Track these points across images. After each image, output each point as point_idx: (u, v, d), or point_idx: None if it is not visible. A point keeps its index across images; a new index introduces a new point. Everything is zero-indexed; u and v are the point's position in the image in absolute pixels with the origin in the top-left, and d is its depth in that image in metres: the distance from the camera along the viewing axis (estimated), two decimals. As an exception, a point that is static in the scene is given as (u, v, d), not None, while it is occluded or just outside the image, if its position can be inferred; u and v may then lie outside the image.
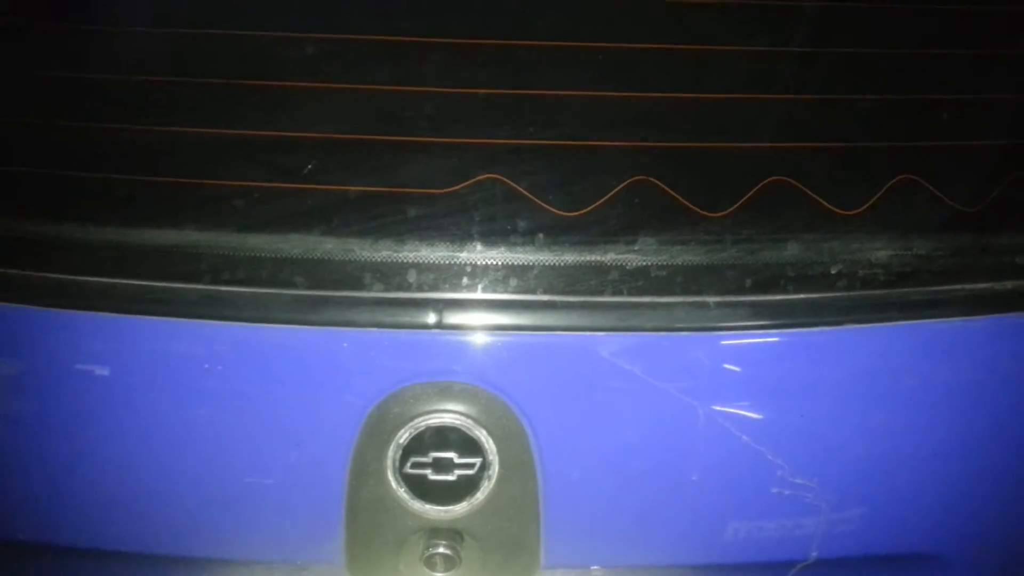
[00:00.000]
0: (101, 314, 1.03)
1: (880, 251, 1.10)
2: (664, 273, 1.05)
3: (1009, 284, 1.10)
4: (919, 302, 1.09)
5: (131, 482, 1.06)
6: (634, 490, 1.09)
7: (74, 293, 1.04)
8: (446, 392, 1.03)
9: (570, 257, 1.05)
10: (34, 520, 1.10)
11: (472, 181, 1.07)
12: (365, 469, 1.04)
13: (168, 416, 1.04)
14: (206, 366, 1.03)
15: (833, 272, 1.08)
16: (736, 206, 1.08)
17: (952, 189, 1.12)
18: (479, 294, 1.04)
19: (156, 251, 1.04)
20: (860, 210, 1.10)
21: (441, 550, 1.07)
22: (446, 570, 1.09)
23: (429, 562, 1.08)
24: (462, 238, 1.05)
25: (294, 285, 1.03)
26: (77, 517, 1.09)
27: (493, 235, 1.05)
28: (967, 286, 1.09)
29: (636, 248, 1.06)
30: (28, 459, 1.07)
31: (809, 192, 1.10)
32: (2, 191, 1.11)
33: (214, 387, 1.03)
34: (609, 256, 1.05)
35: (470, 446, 1.03)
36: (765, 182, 1.09)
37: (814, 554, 1.13)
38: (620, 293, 1.04)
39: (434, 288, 1.04)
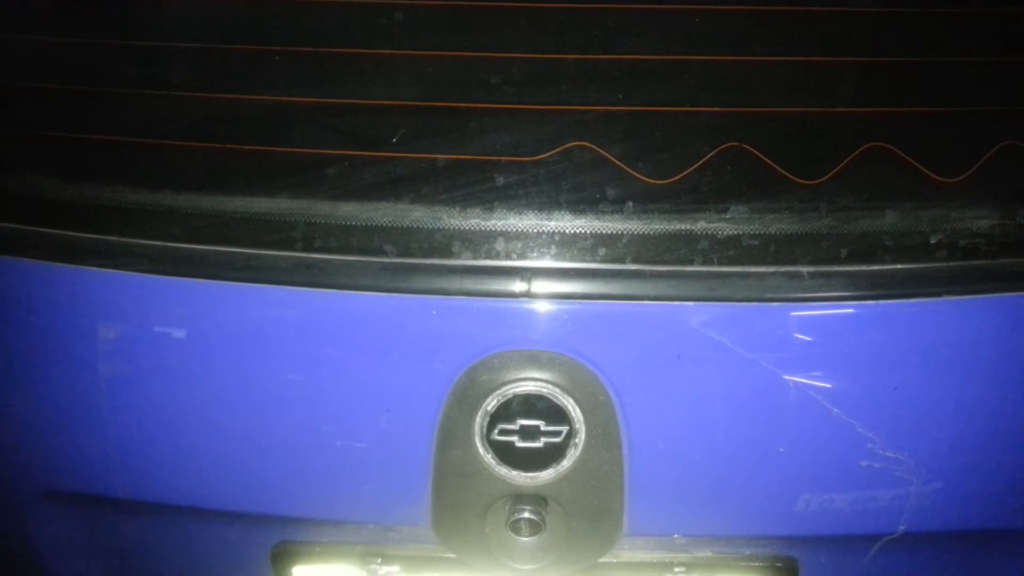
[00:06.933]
0: (196, 280, 1.06)
1: (982, 220, 1.06)
2: (756, 242, 1.03)
3: (1120, 254, 1.05)
4: (1022, 273, 1.05)
5: (226, 445, 1.09)
6: (719, 461, 1.09)
7: (170, 260, 1.06)
8: (533, 360, 1.04)
9: (660, 226, 1.04)
10: (130, 478, 1.15)
11: (561, 148, 1.06)
12: (453, 435, 1.05)
13: (262, 381, 1.06)
14: (298, 332, 1.06)
15: (933, 242, 1.05)
16: (832, 173, 1.05)
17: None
18: (567, 263, 1.03)
19: (250, 219, 1.06)
20: (962, 177, 1.07)
21: (526, 515, 1.08)
22: (531, 534, 1.10)
23: (514, 526, 1.10)
24: (550, 206, 1.04)
25: (384, 253, 1.04)
26: (175, 476, 1.13)
27: (581, 203, 1.05)
28: (1075, 257, 1.05)
29: (728, 216, 1.04)
30: (126, 420, 1.11)
31: (909, 158, 1.06)
32: (97, 160, 1.13)
33: (306, 353, 1.06)
34: (700, 225, 1.04)
35: (557, 414, 1.04)
36: (863, 148, 1.06)
37: (901, 528, 1.11)
38: (711, 262, 1.03)
39: (522, 256, 1.04)
